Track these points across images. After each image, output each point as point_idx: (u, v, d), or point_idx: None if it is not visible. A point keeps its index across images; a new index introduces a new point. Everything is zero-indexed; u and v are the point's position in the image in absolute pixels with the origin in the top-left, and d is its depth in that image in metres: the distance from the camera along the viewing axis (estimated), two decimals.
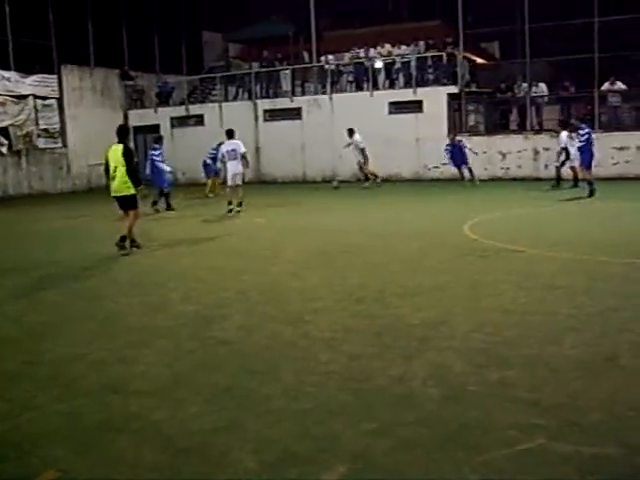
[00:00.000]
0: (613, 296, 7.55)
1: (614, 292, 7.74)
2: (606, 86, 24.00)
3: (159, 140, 19.65)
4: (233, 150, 16.86)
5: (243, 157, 16.88)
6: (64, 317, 7.60)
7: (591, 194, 17.35)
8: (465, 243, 11.40)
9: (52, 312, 7.89)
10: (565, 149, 19.44)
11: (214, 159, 20.13)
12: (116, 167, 11.34)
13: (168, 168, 18.85)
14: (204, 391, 5.13)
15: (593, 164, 17.95)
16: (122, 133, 12.04)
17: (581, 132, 17.79)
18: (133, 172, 11.39)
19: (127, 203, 11.49)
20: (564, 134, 19.54)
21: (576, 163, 18.58)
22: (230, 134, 17.25)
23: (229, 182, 17.01)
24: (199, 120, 29.21)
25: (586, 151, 17.64)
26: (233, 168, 16.85)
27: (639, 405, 4.61)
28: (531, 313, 6.95)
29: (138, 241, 11.84)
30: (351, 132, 22.75)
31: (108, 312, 7.72)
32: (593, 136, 18.15)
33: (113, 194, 11.56)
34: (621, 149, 22.84)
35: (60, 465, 4.06)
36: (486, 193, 20.31)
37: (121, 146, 11.41)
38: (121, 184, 11.35)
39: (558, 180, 20.24)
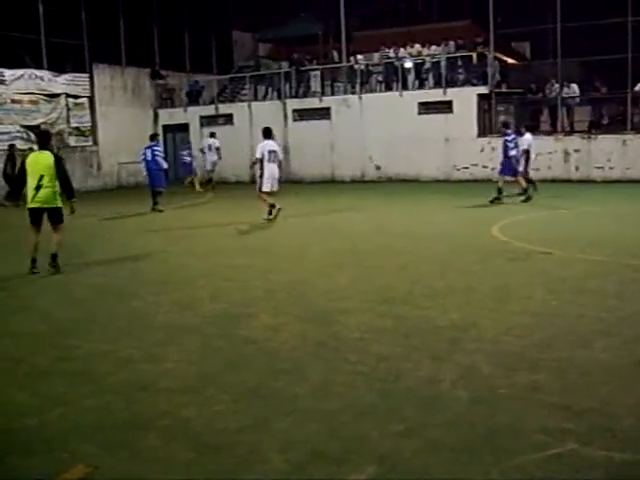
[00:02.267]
0: None
1: None
2: (639, 87, 23.69)
3: (155, 137, 19.81)
4: (274, 152, 15.40)
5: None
6: (93, 314, 7.66)
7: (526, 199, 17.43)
8: (494, 245, 11.32)
9: (81, 309, 7.96)
10: (527, 151, 18.76)
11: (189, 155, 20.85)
12: (42, 176, 9.90)
13: (165, 165, 19.14)
14: (231, 390, 5.14)
15: (520, 170, 17.98)
16: (45, 139, 10.65)
17: (507, 138, 17.90)
18: (68, 183, 10.18)
19: (55, 216, 10.12)
20: (528, 135, 18.99)
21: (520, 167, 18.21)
22: (268, 133, 15.68)
23: (268, 187, 15.25)
24: (228, 119, 29.32)
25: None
26: (273, 172, 15.30)
27: None
28: (561, 316, 6.89)
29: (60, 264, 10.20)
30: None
31: (136, 310, 7.78)
32: (519, 142, 18.08)
33: (36, 205, 10.00)
34: None
35: (89, 461, 4.09)
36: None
37: (49, 154, 10.10)
38: (49, 195, 9.97)
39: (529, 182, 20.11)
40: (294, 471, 3.91)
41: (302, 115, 27.90)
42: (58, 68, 26.96)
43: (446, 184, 24.02)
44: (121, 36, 28.93)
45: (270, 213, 15.14)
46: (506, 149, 17.72)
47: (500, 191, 17.52)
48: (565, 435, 4.21)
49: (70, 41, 27.07)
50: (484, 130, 24.94)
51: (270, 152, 15.26)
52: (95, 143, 28.39)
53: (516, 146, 17.73)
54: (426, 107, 25.26)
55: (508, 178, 17.80)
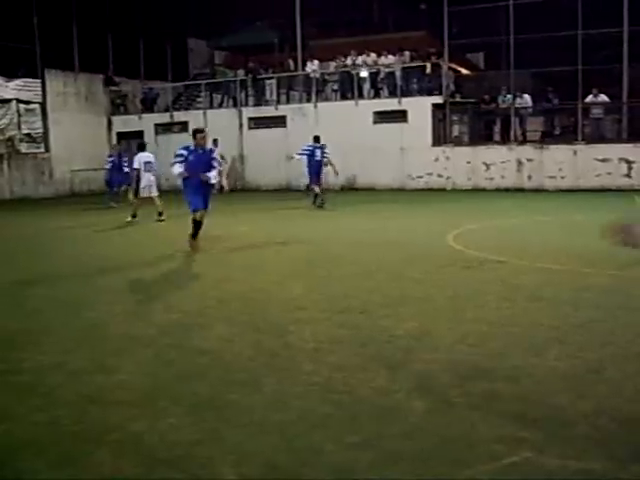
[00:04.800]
0: (596, 308, 7.55)
1: (597, 304, 7.74)
2: (589, 98, 24.16)
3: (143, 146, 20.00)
4: (149, 162, 17.47)
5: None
6: (45, 325, 7.48)
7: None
8: (449, 254, 11.39)
9: (32, 319, 7.77)
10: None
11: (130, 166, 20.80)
12: None
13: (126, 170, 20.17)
14: (184, 402, 5.04)
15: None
16: None
17: (304, 148, 19.92)
18: None
19: None
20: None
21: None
22: (142, 147, 18.36)
23: (145, 193, 17.31)
24: (183, 127, 29.11)
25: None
26: (149, 180, 17.28)
27: (623, 418, 4.58)
28: (515, 324, 6.93)
29: None
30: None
31: (89, 320, 7.62)
32: (317, 152, 19.67)
33: None
34: (603, 161, 23.00)
35: (37, 478, 3.97)
36: (469, 203, 20.35)
37: None
38: None
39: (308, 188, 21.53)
40: None
41: (258, 123, 27.85)
42: (9, 73, 26.51)
43: (401, 193, 24.15)
44: (74, 42, 28.58)
45: (134, 216, 17.18)
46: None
47: (316, 196, 19.58)
48: (520, 444, 4.21)
49: (22, 46, 26.62)
50: (439, 139, 25.16)
51: (145, 163, 17.47)
52: (47, 150, 27.97)
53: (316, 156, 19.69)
54: (381, 116, 25.42)
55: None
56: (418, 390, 5.15)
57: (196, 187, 11.69)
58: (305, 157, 19.97)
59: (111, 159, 22.20)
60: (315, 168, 19.65)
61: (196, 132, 12.12)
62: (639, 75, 24.27)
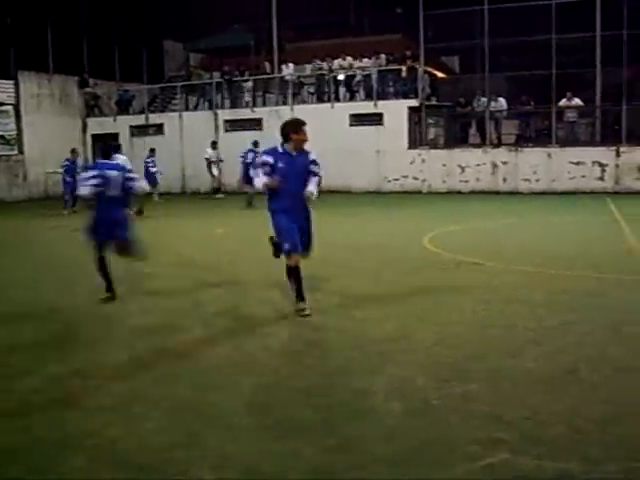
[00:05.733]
0: (571, 309, 7.63)
1: (572, 305, 7.82)
2: (563, 102, 24.40)
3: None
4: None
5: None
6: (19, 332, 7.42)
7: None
8: (425, 256, 11.44)
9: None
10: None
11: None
12: None
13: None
14: (162, 406, 5.02)
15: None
16: None
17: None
18: None
19: None
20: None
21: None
22: (117, 149, 17.10)
23: None
24: (159, 129, 28.99)
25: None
26: None
27: (598, 419, 4.63)
28: (491, 327, 6.98)
29: None
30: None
31: (63, 324, 7.55)
32: (249, 155, 20.60)
33: None
34: (577, 164, 23.23)
35: None
36: (445, 206, 20.46)
37: None
38: None
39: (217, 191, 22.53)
40: None
41: (234, 126, 27.79)
42: None
43: (377, 196, 24.21)
44: (49, 43, 28.32)
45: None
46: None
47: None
48: (498, 445, 4.24)
49: None
50: (415, 142, 25.28)
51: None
52: (21, 152, 27.70)
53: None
54: (357, 119, 25.48)
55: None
56: (396, 392, 5.18)
57: (290, 211, 7.59)
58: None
59: (65, 164, 21.66)
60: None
61: (295, 125, 7.89)
62: (612, 79, 24.57)
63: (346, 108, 25.91)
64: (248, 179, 20.08)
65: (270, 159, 7.61)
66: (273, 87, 28.69)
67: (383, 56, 27.43)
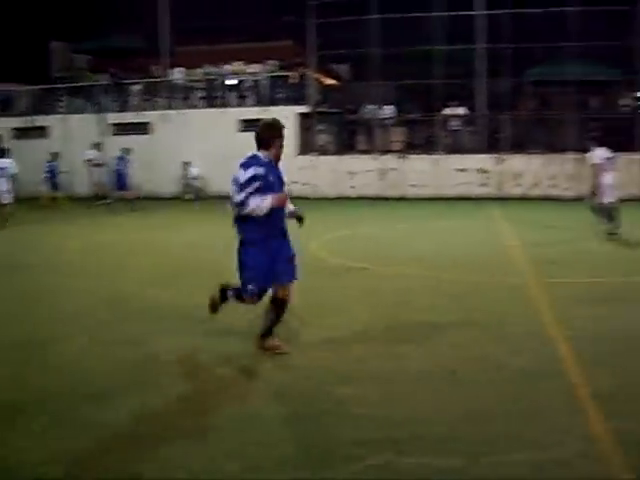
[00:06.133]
0: (453, 311, 7.86)
1: (454, 307, 8.06)
2: (448, 110, 25.15)
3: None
4: (2, 168, 17.20)
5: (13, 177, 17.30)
6: None
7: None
8: (313, 262, 11.48)
9: None
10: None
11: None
12: None
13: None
14: (40, 419, 4.84)
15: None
16: None
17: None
18: None
19: None
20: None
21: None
22: (1, 153, 17.81)
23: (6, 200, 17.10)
24: (43, 132, 28.01)
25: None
26: (1, 186, 17.02)
27: (476, 417, 4.78)
28: (375, 329, 7.09)
29: None
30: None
31: None
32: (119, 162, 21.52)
33: None
34: (462, 171, 23.97)
35: None
36: (334, 212, 20.68)
37: None
38: None
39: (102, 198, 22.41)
40: None
41: (122, 129, 27.18)
42: None
43: None
44: None
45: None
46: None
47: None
48: (381, 446, 4.31)
49: None
50: (304, 148, 25.44)
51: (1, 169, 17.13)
52: None
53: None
54: (247, 125, 25.39)
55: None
56: (278, 398, 5.18)
57: (269, 239, 6.23)
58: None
59: None
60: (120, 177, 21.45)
61: (280, 128, 6.34)
62: (496, 89, 25.56)
63: (236, 113, 25.81)
64: (121, 185, 21.11)
65: (262, 171, 6.02)
66: (162, 91, 28.25)
67: (273, 62, 27.49)
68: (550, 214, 18.56)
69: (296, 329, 7.10)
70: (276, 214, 6.10)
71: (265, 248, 6.12)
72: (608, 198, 13.38)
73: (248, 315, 6.84)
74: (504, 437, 4.43)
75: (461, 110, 25.47)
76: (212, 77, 27.41)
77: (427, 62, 25.25)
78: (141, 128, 26.83)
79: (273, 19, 31.84)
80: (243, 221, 6.12)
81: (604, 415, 4.73)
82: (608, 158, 13.65)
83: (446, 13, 24.79)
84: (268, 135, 6.21)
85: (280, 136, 6.23)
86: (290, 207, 6.46)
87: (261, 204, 5.92)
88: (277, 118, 6.49)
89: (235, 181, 6.07)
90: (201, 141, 25.10)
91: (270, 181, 6.06)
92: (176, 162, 25.02)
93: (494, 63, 25.16)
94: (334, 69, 31.35)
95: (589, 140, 15.63)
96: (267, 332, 6.26)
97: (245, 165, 6.10)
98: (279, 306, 6.21)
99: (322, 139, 26.51)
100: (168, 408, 5.02)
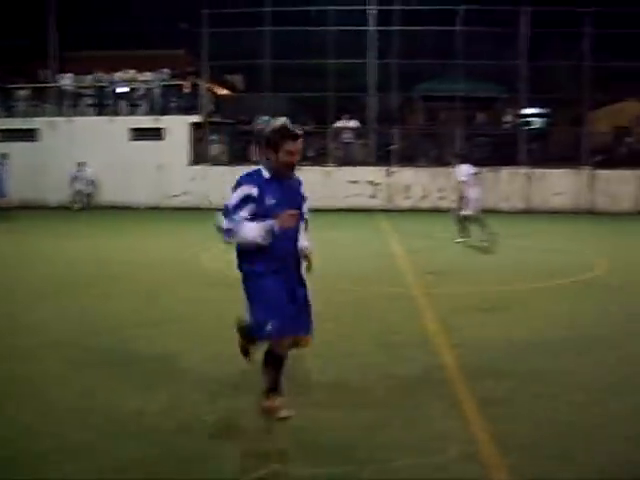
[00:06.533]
0: (338, 320, 8.03)
1: (339, 317, 8.24)
2: (341, 123, 25.59)
3: None
4: None
5: None
6: None
7: None
8: (205, 273, 11.48)
9: None
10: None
11: None
12: None
13: None
14: None
15: None
16: None
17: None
18: None
19: None
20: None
21: None
22: None
23: None
24: None
25: None
26: None
27: (365, 423, 4.93)
28: None
29: None
30: None
31: None
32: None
33: None
34: (353, 182, 24.40)
35: None
36: None
37: None
38: None
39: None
40: None
41: (6, 136, 26.21)
42: None
43: (159, 212, 23.77)
44: None
45: None
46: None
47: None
48: (269, 456, 4.38)
49: None
50: (197, 158, 25.28)
51: None
52: None
53: None
54: (138, 133, 25.01)
55: None
56: (170, 410, 5.17)
57: (280, 273, 5.03)
58: None
59: None
60: None
61: (291, 132, 5.02)
62: (386, 103, 26.22)
63: (127, 122, 25.35)
64: None
65: (254, 190, 4.86)
66: (50, 97, 27.45)
67: (166, 70, 27.19)
68: (437, 225, 19.11)
69: (189, 339, 7.07)
70: (275, 246, 4.85)
71: (274, 279, 4.93)
72: (471, 210, 14.29)
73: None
74: (387, 445, 4.58)
75: (353, 123, 25.93)
76: (102, 84, 26.85)
77: (320, 75, 25.63)
78: (28, 135, 25.97)
79: (166, 27, 31.53)
80: (242, 251, 5.04)
81: (486, 420, 4.96)
82: (473, 173, 14.55)
83: (338, 27, 25.27)
84: (276, 139, 4.92)
85: (293, 139, 4.94)
86: (303, 240, 5.19)
87: (250, 232, 4.77)
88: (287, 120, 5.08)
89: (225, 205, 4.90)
90: (91, 149, 24.50)
91: (268, 204, 4.83)
92: (64, 170, 24.35)
93: (384, 78, 25.82)
94: (228, 79, 31.33)
95: (454, 157, 16.44)
96: (272, 389, 5.05)
97: (243, 181, 4.95)
98: (273, 362, 5.01)
99: (215, 149, 26.40)
100: (62, 423, 4.92)
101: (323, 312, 8.50)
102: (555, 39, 26.02)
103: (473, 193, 14.31)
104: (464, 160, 15.08)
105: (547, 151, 26.02)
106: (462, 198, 14.42)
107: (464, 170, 14.49)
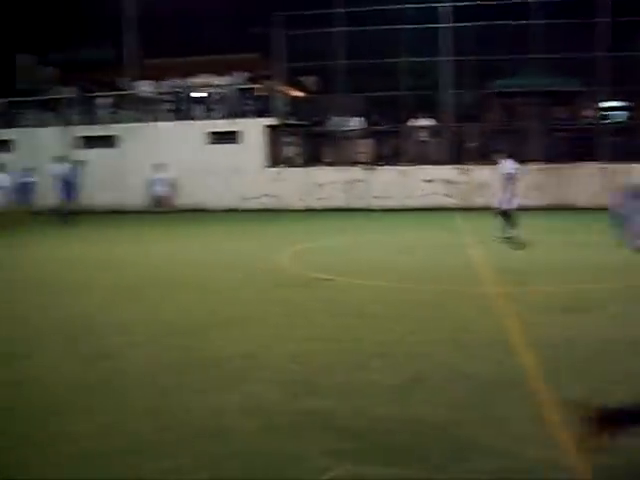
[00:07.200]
0: (415, 321, 7.99)
1: (416, 317, 8.19)
2: (416, 122, 25.43)
3: None
4: None
5: None
6: None
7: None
8: (281, 274, 11.59)
9: None
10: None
11: None
12: None
13: None
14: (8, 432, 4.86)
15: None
16: None
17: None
18: None
19: None
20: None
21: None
22: None
23: None
24: (6, 146, 27.66)
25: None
26: None
27: (441, 424, 4.89)
28: (340, 341, 7.17)
29: None
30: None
31: None
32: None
33: None
34: (428, 181, 24.21)
35: None
36: (302, 224, 20.76)
37: None
38: None
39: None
40: None
41: (89, 142, 27.01)
42: None
43: (235, 214, 24.12)
44: None
45: None
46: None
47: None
48: (344, 456, 4.39)
49: None
50: (272, 161, 25.52)
51: None
52: None
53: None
54: (215, 137, 25.44)
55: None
56: (250, 409, 5.24)
57: None
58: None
59: None
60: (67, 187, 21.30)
61: None
62: (461, 101, 25.91)
63: (204, 126, 25.81)
64: (67, 194, 21.15)
65: None
66: (130, 104, 28.17)
67: (241, 74, 27.59)
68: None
69: (264, 339, 7.16)
70: None
71: None
72: (511, 205, 14.44)
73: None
74: (468, 446, 4.53)
75: (428, 121, 25.74)
76: (179, 90, 27.39)
77: (394, 74, 25.53)
78: (108, 141, 26.71)
79: (240, 31, 31.96)
80: None
81: (566, 423, 4.84)
82: (515, 169, 14.66)
83: (413, 26, 25.12)
84: None
85: None
86: None
87: None
88: None
89: None
90: (169, 154, 25.02)
91: None
92: (143, 175, 24.92)
93: (460, 75, 25.53)
94: (301, 81, 31.51)
95: (497, 152, 16.18)
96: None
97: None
98: None
99: (289, 151, 26.61)
100: (141, 421, 5.06)
101: (400, 311, 8.55)
102: (637, 28, 25.18)
103: (514, 188, 14.47)
104: (507, 156, 15.11)
105: (630, 145, 25.22)
106: (504, 193, 14.52)
107: (508, 166, 14.67)
